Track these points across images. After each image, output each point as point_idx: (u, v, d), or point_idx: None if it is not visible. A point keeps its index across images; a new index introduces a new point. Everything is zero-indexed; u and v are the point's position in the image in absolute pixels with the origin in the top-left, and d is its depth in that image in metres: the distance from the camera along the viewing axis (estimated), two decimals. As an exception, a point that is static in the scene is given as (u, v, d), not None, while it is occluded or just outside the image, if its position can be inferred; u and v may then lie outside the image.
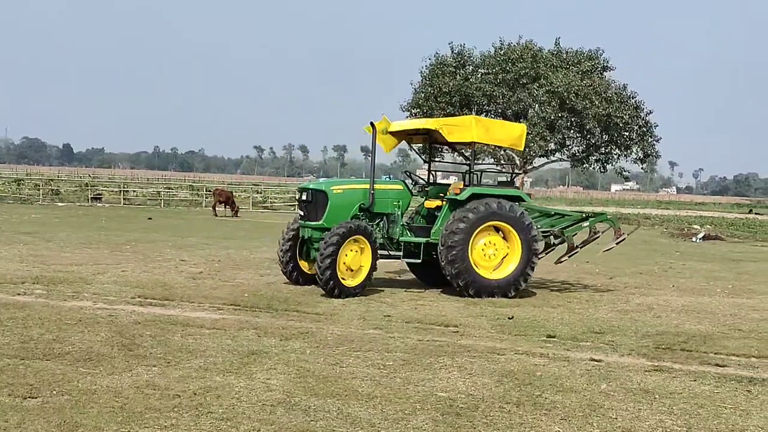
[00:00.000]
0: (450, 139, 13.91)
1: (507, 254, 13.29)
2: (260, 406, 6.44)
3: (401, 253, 13.53)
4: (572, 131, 49.08)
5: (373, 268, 12.83)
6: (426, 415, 6.38)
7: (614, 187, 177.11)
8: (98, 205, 41.84)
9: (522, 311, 11.77)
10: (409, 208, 14.41)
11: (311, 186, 13.76)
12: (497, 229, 13.35)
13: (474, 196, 13.30)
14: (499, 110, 49.29)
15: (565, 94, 45.51)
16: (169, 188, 53.12)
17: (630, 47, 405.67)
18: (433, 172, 15.27)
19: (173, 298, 11.56)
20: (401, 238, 13.53)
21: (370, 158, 13.77)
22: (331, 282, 12.20)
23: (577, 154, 51.05)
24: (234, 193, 38.74)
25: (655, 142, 49.00)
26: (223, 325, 9.68)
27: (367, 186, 13.47)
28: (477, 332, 10.04)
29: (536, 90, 46.58)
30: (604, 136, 49.01)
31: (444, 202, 13.65)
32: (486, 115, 51.09)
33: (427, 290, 13.52)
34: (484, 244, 13.19)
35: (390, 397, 6.83)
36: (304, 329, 9.65)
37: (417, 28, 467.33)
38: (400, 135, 14.38)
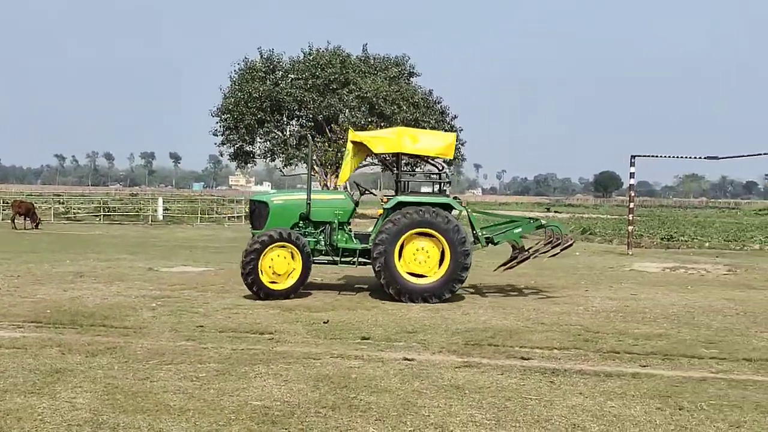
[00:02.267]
0: (376, 151, 14.49)
1: (439, 259, 13.60)
2: (66, 427, 6.13)
3: (338, 259, 14.19)
4: (382, 136, 50.01)
5: (305, 273, 13.52)
6: (241, 426, 6.29)
7: (424, 189, 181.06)
8: None
9: (337, 315, 11.86)
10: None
11: (255, 198, 15.03)
12: (432, 236, 13.63)
13: (402, 205, 13.76)
14: (311, 115, 49.54)
15: (374, 99, 46.37)
16: (-38, 201, 49.75)
17: (433, 54, 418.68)
18: (405, 182, 15.16)
19: (-33, 318, 10.84)
20: (339, 245, 14.10)
21: (306, 170, 14.95)
22: (254, 286, 13.25)
23: (388, 158, 52.06)
24: (35, 205, 36.81)
25: (460, 145, 50.72)
26: (24, 344, 9.17)
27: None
28: (292, 338, 10.02)
29: (346, 95, 47.18)
30: (412, 140, 50.27)
31: (383, 211, 14.16)
32: (297, 120, 51.30)
33: (241, 299, 13.35)
34: (416, 250, 13.56)
35: (203, 410, 6.69)
36: (111, 344, 9.29)
37: (221, 34, 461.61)
38: (361, 149, 14.62)
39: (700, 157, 26.59)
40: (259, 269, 13.24)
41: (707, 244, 29.98)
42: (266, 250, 13.28)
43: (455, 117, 50.68)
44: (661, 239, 31.56)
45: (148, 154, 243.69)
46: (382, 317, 11.77)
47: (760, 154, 26.35)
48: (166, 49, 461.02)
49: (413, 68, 51.20)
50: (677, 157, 27.67)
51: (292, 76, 49.41)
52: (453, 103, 63.11)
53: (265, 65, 49.42)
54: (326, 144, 47.76)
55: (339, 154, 47.30)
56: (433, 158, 14.95)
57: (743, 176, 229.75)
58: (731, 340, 10.46)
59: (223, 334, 10.15)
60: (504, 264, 15.38)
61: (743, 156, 27.02)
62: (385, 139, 14.40)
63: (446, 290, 13.44)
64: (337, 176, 51.44)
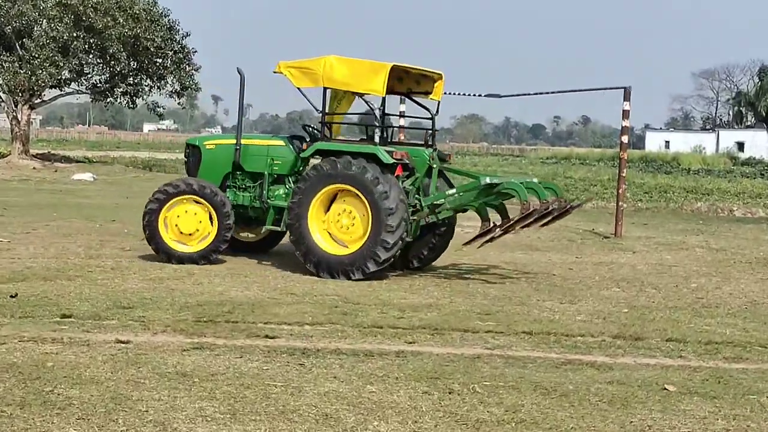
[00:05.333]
0: (298, 85, 13.95)
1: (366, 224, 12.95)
2: None
3: (267, 218, 13.98)
4: (92, 56, 48.39)
5: (221, 234, 13.50)
6: None
7: (147, 127, 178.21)
8: None
9: (29, 287, 11.46)
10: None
11: (190, 141, 15.43)
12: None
13: (321, 154, 13.41)
14: (-5, 26, 47.12)
15: (81, 8, 44.69)
16: None
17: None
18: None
19: None
20: (270, 202, 13.90)
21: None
22: (152, 243, 13.63)
23: (99, 84, 50.55)
24: None
25: (194, 71, 50.02)
26: None
27: (241, 141, 14.19)
28: (-32, 317, 9.61)
29: (43, 3, 45.15)
30: (132, 63, 48.95)
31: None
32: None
33: None
34: (340, 212, 13.05)
35: None
36: None
37: None
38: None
39: (480, 95, 27.79)
40: (161, 226, 13.50)
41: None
42: (170, 203, 13.51)
43: (187, 35, 49.83)
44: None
45: None
46: (90, 289, 11.50)
47: (546, 93, 27.96)
48: None
49: (133, -29, 49.88)
50: (455, 93, 28.73)
51: (-28, -27, 46.72)
52: (185, 19, 61.75)
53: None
54: (17, 64, 45.59)
55: (34, 78, 45.25)
56: (362, 95, 14.26)
57: (529, 119, 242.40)
58: (510, 310, 11.15)
59: None
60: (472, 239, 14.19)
61: (529, 94, 28.59)
62: (308, 71, 13.89)
63: (370, 261, 12.81)
64: (30, 107, 49.37)
